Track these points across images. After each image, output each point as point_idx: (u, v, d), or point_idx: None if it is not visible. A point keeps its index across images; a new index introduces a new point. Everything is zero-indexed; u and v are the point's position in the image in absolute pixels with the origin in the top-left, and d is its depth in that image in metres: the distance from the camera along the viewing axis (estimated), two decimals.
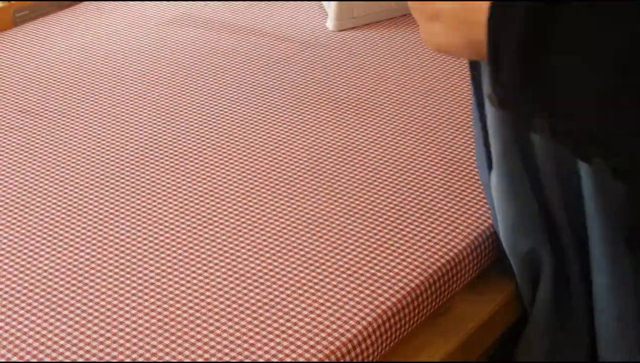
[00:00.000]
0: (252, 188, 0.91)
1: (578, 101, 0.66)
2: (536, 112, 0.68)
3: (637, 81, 0.64)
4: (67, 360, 0.72)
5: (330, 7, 1.24)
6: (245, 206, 0.88)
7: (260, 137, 1.00)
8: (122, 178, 0.93)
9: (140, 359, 0.71)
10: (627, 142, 0.65)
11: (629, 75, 0.64)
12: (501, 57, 0.69)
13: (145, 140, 1.00)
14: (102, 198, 0.90)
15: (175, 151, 0.98)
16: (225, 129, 1.01)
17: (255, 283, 0.78)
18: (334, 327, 0.74)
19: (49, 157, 0.97)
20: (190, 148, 0.98)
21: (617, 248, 0.79)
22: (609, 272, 0.81)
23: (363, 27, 1.23)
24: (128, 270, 0.81)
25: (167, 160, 0.96)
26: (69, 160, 0.97)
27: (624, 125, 0.65)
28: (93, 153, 0.98)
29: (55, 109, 1.07)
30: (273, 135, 1.00)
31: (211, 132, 1.01)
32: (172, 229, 0.86)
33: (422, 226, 0.85)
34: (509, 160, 0.81)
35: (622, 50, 0.64)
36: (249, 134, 1.00)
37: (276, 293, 0.77)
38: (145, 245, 0.84)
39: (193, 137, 1.00)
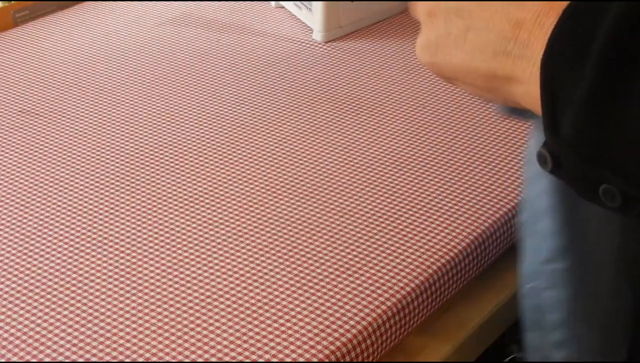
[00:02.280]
0: (252, 188, 0.91)
1: None
2: (605, 176, 0.51)
3: None
4: (67, 360, 0.72)
5: (316, 19, 1.20)
6: (246, 206, 0.88)
7: (260, 137, 1.00)
8: (122, 178, 0.93)
9: (140, 359, 0.71)
10: None
11: None
12: (561, 106, 0.52)
13: (145, 140, 1.00)
14: (102, 198, 0.90)
15: (175, 151, 0.98)
16: (225, 129, 1.01)
17: (255, 284, 0.78)
18: (334, 327, 0.74)
19: (49, 157, 0.97)
20: (190, 148, 0.98)
21: None
22: None
23: (362, 28, 1.23)
24: (128, 270, 0.81)
25: (167, 160, 0.96)
26: (69, 160, 0.97)
27: None
28: (93, 153, 0.98)
29: (55, 109, 1.07)
30: (273, 135, 1.00)
31: (211, 132, 1.01)
32: (172, 229, 0.86)
33: (422, 226, 0.85)
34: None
35: None
36: (249, 133, 1.00)
37: (276, 293, 0.77)
38: (145, 245, 0.84)
39: (193, 137, 1.00)
